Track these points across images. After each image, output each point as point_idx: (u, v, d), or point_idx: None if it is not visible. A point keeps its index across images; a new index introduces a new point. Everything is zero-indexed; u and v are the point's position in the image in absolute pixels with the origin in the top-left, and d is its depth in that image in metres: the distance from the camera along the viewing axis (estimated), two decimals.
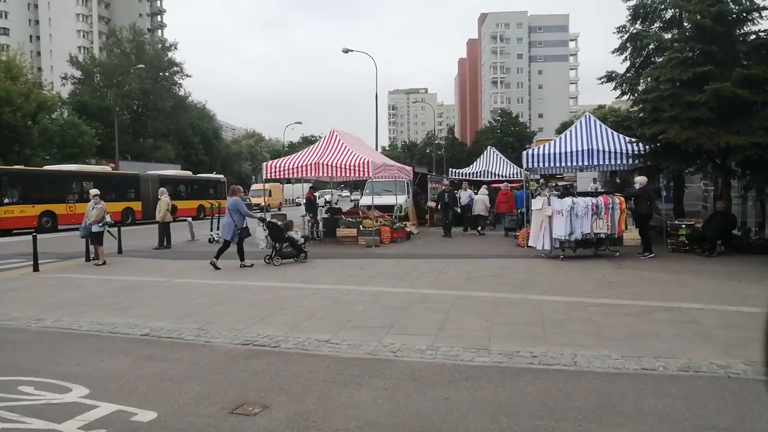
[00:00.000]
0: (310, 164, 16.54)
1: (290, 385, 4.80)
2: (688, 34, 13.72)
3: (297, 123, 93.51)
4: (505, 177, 24.34)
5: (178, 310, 7.96)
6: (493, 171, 25.92)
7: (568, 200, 12.43)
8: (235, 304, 8.34)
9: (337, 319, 7.13)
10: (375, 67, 34.97)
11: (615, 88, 17.62)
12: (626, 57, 17.30)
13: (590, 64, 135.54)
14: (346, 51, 34.58)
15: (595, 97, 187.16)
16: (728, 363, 5.10)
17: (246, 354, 5.78)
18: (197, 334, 6.60)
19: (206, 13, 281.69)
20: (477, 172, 26.25)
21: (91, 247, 13.93)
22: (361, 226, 16.94)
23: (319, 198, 41.94)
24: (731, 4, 13.49)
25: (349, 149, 16.84)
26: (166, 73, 64.67)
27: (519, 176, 23.65)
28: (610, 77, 17.74)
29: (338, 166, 16.28)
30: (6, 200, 24.05)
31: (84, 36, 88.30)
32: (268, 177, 16.75)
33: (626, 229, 13.63)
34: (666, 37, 16.13)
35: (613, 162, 15.71)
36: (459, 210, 20.76)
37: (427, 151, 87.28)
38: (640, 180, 13.15)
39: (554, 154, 15.54)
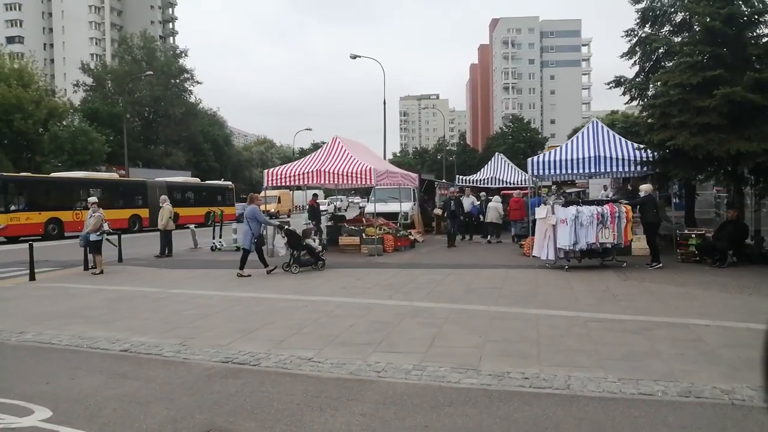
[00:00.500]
0: (312, 171, 16.28)
1: (262, 409, 4.53)
2: (697, 38, 13.29)
3: (307, 129, 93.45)
4: (514, 184, 23.99)
5: (163, 324, 7.73)
6: (500, 178, 25.60)
7: (572, 209, 12.04)
8: (223, 317, 8.10)
9: (323, 335, 6.85)
10: (383, 73, 34.85)
11: (624, 93, 17.17)
12: (635, 61, 16.80)
13: (603, 69, 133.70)
14: (354, 57, 34.51)
15: (608, 102, 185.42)
16: (733, 387, 4.75)
17: (223, 373, 5.53)
18: (177, 350, 6.36)
19: (218, 20, 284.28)
20: (485, 179, 25.95)
21: (90, 256, 13.82)
22: (363, 234, 16.69)
23: (328, 205, 41.96)
24: (742, 6, 13.05)
25: (351, 156, 16.56)
26: (177, 80, 65.06)
27: (528, 183, 23.23)
28: (618, 82, 17.26)
29: (340, 173, 16.01)
30: (12, 207, 24.12)
31: (96, 43, 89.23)
32: (269, 184, 16.55)
33: (634, 237, 13.21)
34: (676, 41, 15.70)
35: (621, 169, 15.31)
36: (464, 218, 20.37)
37: (438, 157, 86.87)
38: (644, 188, 12.74)
39: (560, 160, 15.16)
